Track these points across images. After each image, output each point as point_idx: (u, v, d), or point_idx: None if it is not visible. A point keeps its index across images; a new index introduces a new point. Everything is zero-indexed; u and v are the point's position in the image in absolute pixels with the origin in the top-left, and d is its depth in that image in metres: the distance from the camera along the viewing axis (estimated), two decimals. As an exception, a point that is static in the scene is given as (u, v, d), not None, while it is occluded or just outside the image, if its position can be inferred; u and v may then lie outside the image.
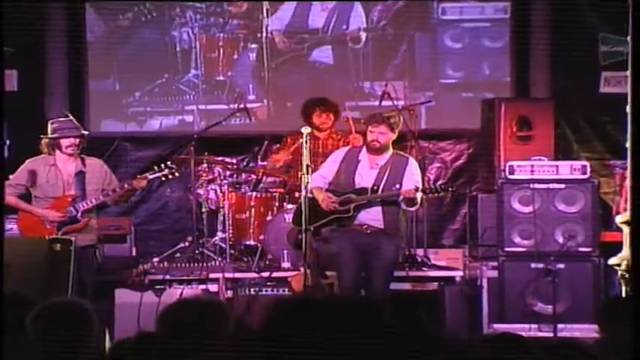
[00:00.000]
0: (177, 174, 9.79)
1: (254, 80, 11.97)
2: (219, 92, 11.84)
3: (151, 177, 9.63)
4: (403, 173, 9.38)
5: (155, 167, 9.73)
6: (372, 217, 9.38)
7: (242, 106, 11.77)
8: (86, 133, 9.67)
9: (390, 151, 9.51)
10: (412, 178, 9.39)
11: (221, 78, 11.99)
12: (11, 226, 10.72)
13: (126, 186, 9.50)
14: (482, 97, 11.82)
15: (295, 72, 11.74)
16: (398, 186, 9.29)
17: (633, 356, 3.50)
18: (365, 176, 9.42)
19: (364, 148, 9.54)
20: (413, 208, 9.62)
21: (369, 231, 9.38)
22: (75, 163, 9.54)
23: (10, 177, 9.65)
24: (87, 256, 9.46)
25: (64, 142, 9.47)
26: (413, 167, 9.50)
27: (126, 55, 11.80)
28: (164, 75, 11.92)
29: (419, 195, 9.29)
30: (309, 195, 9.57)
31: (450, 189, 9.79)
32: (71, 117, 9.70)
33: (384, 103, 11.09)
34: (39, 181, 9.54)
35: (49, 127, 9.59)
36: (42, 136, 9.60)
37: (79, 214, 9.43)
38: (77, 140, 9.48)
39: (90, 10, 12.07)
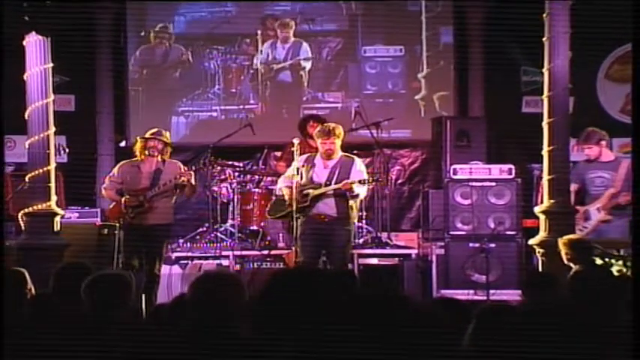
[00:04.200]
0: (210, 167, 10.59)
1: (253, 91, 13.32)
2: (232, 99, 13.26)
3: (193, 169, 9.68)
4: (350, 170, 9.22)
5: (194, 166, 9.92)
6: (328, 207, 9.21)
7: (248, 123, 11.86)
8: (169, 142, 9.63)
9: (339, 154, 9.37)
10: (358, 173, 9.23)
11: (234, 90, 13.32)
12: (70, 215, 10.71)
13: (174, 179, 9.40)
14: (388, 101, 13.24)
15: (271, 86, 13.28)
16: (347, 181, 9.15)
17: (633, 354, 3.41)
18: (320, 174, 9.25)
19: (318, 154, 9.38)
20: (357, 199, 9.45)
21: (326, 219, 9.22)
22: (155, 164, 9.47)
23: (109, 175, 9.73)
24: (153, 233, 9.37)
25: (149, 143, 9.43)
26: (358, 165, 9.32)
27: (178, 76, 13.36)
28: (200, 88, 13.31)
29: (357, 188, 9.13)
30: (279, 193, 9.54)
31: (377, 180, 9.66)
32: (162, 130, 9.69)
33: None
34: (125, 178, 9.49)
35: (147, 134, 9.56)
36: (138, 137, 9.68)
37: (145, 200, 9.35)
38: (159, 144, 9.43)
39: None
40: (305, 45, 13.19)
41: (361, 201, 11.09)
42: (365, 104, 12.63)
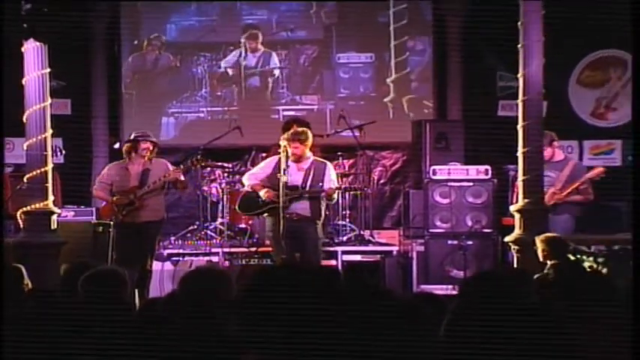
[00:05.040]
0: (197, 166, 10.24)
1: (235, 92, 13.62)
2: (218, 101, 13.59)
3: (182, 167, 9.66)
4: (324, 175, 9.23)
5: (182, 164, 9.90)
6: (302, 208, 9.21)
7: (236, 126, 11.85)
8: (155, 141, 9.67)
9: (311, 158, 9.36)
10: (330, 178, 9.27)
11: (219, 93, 13.62)
12: (66, 214, 10.69)
13: (163, 177, 9.41)
14: (359, 103, 13.47)
15: (246, 90, 13.62)
16: (321, 184, 9.16)
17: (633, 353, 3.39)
18: (294, 176, 9.21)
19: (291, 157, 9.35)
20: (331, 202, 9.61)
21: (295, 217, 9.18)
22: (143, 163, 9.48)
23: (98, 177, 9.80)
24: (145, 230, 9.39)
25: (142, 145, 9.45)
26: (330, 170, 9.35)
27: (168, 81, 13.62)
28: (188, 91, 13.60)
29: (335, 193, 9.30)
30: (248, 189, 9.52)
31: (357, 189, 9.77)
32: (146, 131, 9.75)
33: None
34: (114, 178, 9.50)
35: (132, 136, 9.60)
36: (125, 141, 9.74)
37: (135, 199, 9.35)
38: (151, 145, 9.49)
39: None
40: (274, 54, 13.53)
41: (343, 200, 11.18)
42: (339, 106, 12.90)
